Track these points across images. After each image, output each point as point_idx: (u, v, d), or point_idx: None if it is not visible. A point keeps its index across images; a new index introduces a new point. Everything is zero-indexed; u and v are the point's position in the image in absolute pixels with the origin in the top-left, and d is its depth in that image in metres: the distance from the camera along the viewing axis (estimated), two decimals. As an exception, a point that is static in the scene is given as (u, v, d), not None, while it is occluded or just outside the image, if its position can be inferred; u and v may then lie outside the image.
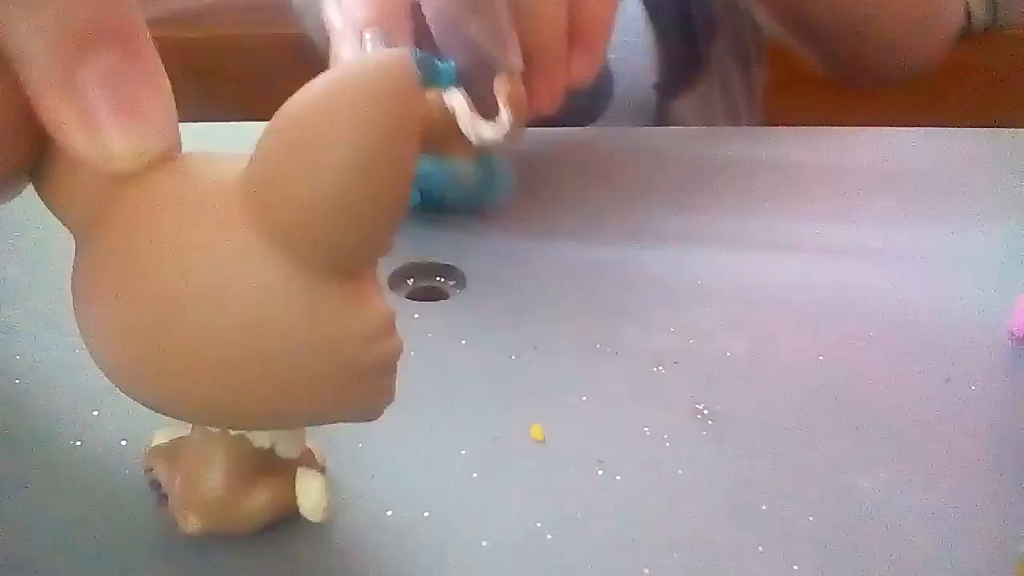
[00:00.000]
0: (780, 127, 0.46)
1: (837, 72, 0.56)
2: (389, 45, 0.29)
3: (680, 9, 0.53)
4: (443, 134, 0.30)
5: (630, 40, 0.51)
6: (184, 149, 0.16)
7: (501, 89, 0.30)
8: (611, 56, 0.50)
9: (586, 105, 0.49)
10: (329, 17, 0.32)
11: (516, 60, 0.30)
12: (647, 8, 0.52)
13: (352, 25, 0.30)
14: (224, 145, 0.16)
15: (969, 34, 0.71)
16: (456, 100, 0.30)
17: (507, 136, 0.30)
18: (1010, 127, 0.43)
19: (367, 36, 0.29)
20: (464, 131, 0.30)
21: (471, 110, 0.30)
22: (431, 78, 0.30)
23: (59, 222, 0.17)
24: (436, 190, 0.31)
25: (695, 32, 0.53)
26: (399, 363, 0.17)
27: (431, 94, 0.31)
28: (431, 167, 0.31)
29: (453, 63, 0.30)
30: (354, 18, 0.30)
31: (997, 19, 0.71)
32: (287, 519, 0.19)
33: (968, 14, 0.71)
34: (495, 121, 0.30)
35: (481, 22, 0.29)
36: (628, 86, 0.52)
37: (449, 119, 0.30)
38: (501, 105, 0.30)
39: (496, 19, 0.29)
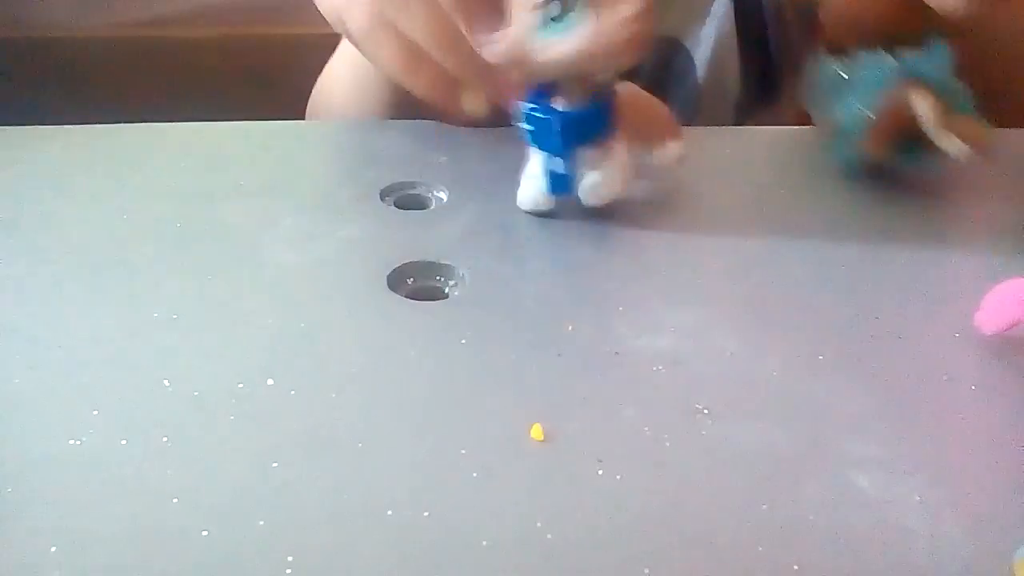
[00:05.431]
0: (780, 127, 0.46)
1: None
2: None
3: (761, 40, 0.53)
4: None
5: (724, 60, 0.52)
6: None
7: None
8: (700, 74, 0.51)
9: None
10: None
11: None
12: (739, 34, 0.52)
13: None
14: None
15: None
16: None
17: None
18: (1010, 127, 0.43)
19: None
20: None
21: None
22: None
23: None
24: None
25: (771, 61, 0.53)
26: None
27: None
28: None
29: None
30: None
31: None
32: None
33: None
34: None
35: None
36: (713, 105, 0.52)
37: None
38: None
39: None
